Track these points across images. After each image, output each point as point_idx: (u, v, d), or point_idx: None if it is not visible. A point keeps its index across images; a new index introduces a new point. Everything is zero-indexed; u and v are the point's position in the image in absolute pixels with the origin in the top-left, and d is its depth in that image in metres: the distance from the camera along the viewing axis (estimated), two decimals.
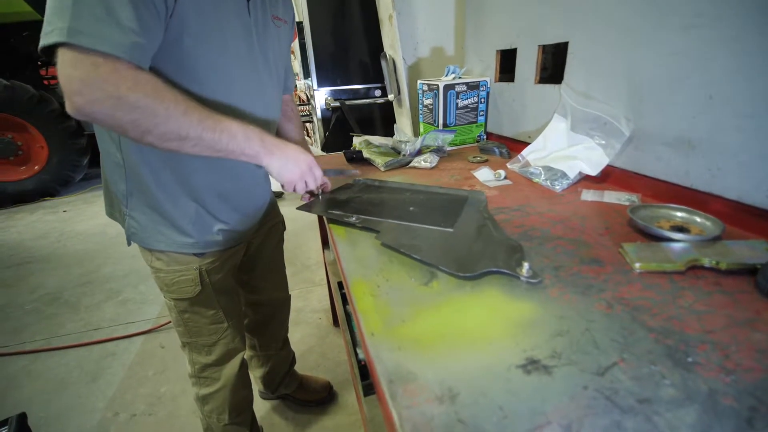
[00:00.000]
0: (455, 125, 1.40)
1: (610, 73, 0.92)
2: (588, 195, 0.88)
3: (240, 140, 0.68)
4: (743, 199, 0.69)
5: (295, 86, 2.99)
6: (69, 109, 0.56)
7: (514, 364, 0.41)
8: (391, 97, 2.01)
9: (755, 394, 0.37)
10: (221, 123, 0.65)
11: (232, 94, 0.74)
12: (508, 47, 1.29)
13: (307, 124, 4.07)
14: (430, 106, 1.41)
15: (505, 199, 0.90)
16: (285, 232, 1.17)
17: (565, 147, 1.03)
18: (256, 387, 1.36)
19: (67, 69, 0.53)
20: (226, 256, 0.89)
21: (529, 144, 1.14)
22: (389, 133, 1.49)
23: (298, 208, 0.89)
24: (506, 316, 0.49)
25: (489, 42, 1.39)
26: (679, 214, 0.72)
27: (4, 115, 3.76)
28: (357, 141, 1.40)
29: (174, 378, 1.56)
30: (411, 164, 1.20)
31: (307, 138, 3.37)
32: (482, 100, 1.40)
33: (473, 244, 0.67)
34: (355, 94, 2.40)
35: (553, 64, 1.26)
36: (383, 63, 1.95)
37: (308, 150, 0.88)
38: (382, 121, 2.54)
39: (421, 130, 1.53)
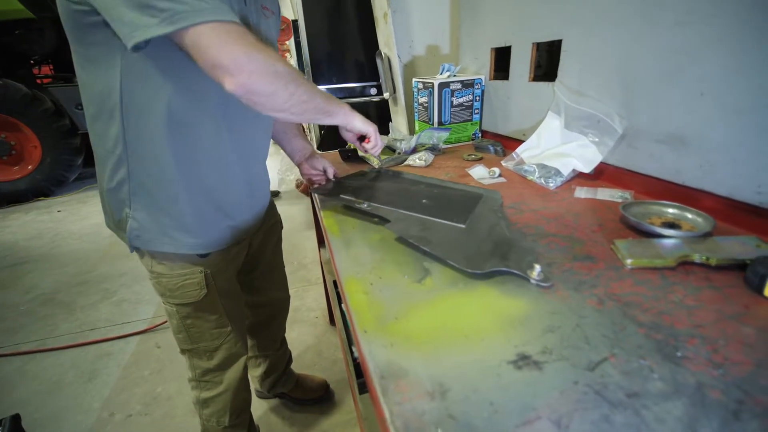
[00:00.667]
0: (450, 123, 1.40)
1: (604, 71, 0.92)
2: (581, 192, 0.88)
3: (331, 99, 0.77)
4: (734, 196, 0.70)
5: None
6: (234, 86, 0.59)
7: (505, 360, 0.42)
8: (386, 95, 2.01)
9: (743, 387, 0.37)
10: (314, 86, 0.74)
11: None
12: (503, 45, 1.29)
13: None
14: (425, 104, 1.41)
15: None
16: (282, 231, 1.16)
17: (558, 144, 1.03)
18: (253, 386, 1.36)
19: (224, 46, 0.56)
20: (230, 257, 0.88)
21: (523, 142, 1.15)
22: (384, 131, 1.49)
23: (312, 190, 0.92)
24: (498, 313, 0.49)
25: (484, 40, 1.39)
26: (670, 210, 0.73)
27: None
28: None
29: (170, 378, 1.55)
30: (406, 162, 1.20)
31: None
32: (477, 98, 1.40)
33: (484, 242, 0.66)
34: (351, 92, 2.38)
35: (548, 62, 1.26)
36: (378, 61, 1.95)
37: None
38: (378, 119, 2.53)
39: (417, 128, 1.53)
